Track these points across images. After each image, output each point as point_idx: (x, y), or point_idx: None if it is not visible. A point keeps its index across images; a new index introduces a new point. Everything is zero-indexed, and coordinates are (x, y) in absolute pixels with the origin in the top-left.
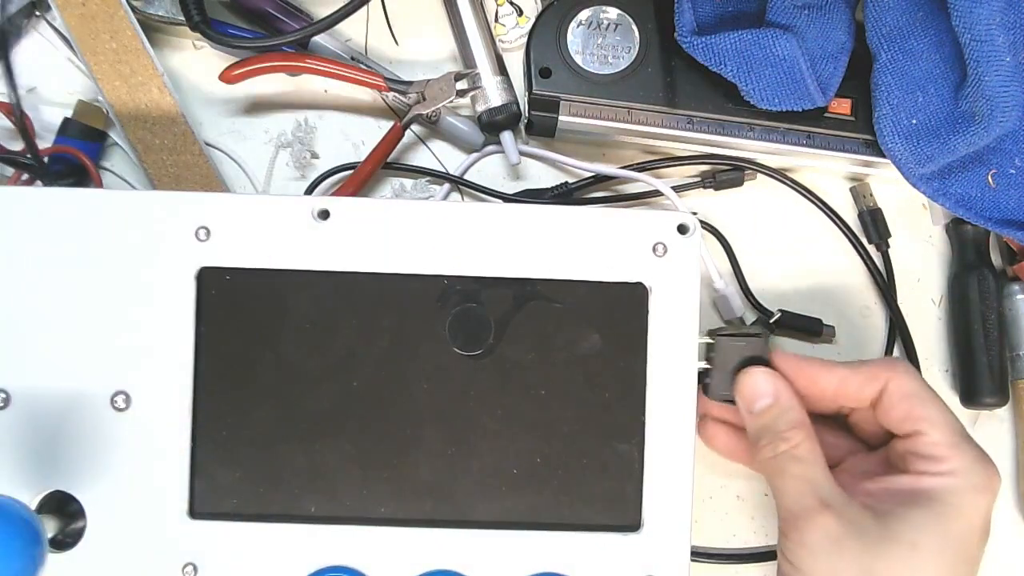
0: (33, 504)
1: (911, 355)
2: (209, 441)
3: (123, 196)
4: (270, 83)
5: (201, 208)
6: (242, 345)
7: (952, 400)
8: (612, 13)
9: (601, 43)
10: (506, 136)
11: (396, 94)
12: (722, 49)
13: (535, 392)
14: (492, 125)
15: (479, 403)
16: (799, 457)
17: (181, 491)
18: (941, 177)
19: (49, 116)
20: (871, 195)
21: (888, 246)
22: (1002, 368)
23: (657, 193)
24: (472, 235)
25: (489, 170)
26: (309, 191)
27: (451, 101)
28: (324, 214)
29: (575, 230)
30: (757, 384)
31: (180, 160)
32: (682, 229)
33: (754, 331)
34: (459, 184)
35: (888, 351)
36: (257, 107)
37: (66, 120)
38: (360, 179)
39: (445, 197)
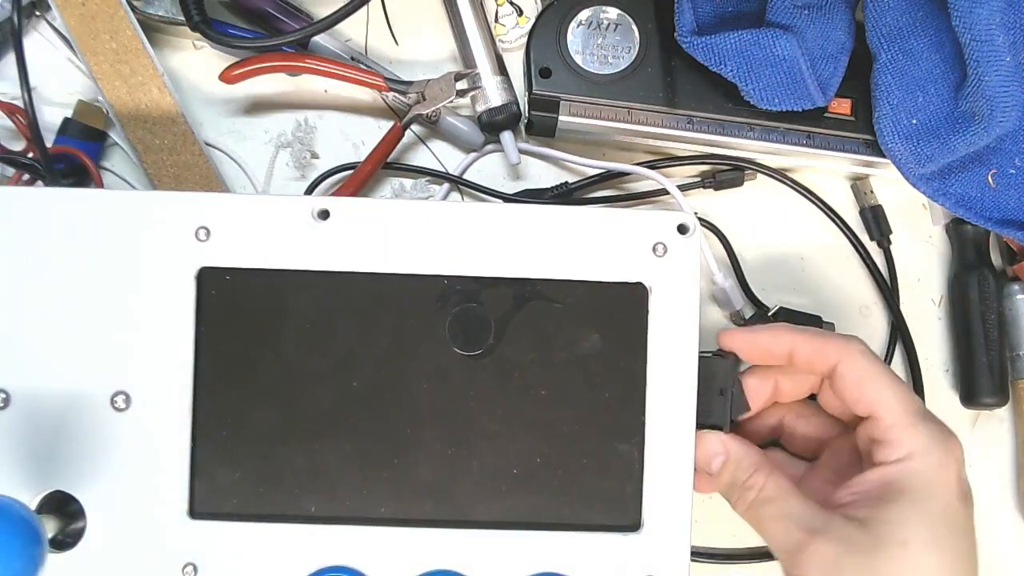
0: (33, 504)
1: (911, 355)
2: (209, 441)
3: (123, 196)
4: (270, 83)
5: (201, 208)
6: (242, 345)
7: (952, 400)
8: (612, 13)
9: (601, 43)
10: (506, 136)
11: (396, 94)
12: (722, 49)
13: (535, 392)
14: (492, 125)
15: (479, 403)
16: (768, 498)
17: (181, 491)
18: (941, 177)
19: (49, 116)
20: (872, 192)
21: (890, 243)
22: (1002, 368)
23: (657, 193)
24: (472, 235)
25: (489, 170)
26: (309, 191)
27: (451, 101)
28: (324, 214)
29: (575, 230)
30: (707, 446)
31: (180, 160)
32: (682, 229)
33: (711, 352)
34: (459, 184)
35: (888, 351)
36: (257, 107)
37: (66, 120)
38: (360, 179)
39: (445, 197)
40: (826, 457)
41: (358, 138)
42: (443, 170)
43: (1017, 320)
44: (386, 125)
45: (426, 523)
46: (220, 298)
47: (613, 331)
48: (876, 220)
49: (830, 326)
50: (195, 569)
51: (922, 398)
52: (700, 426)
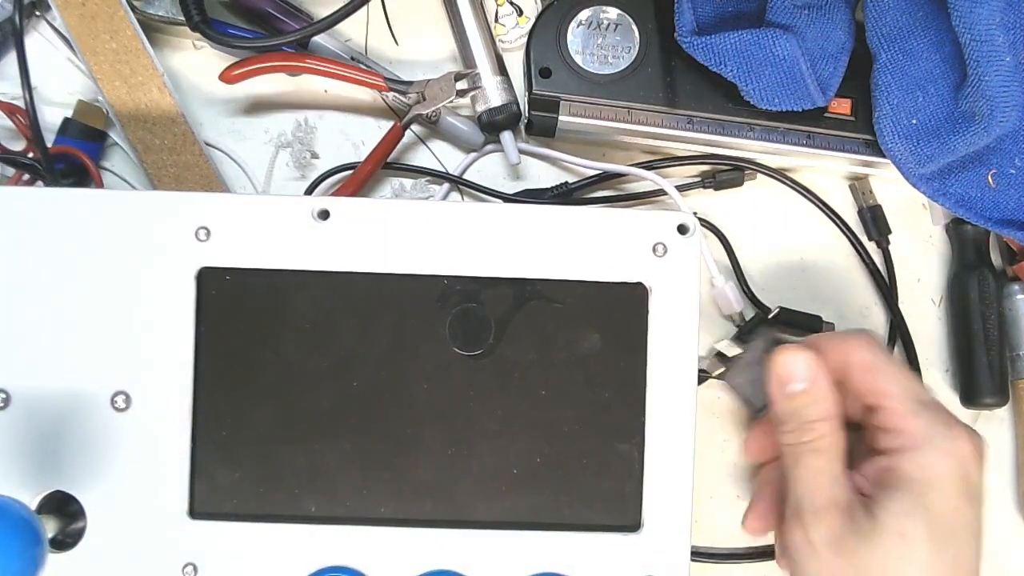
0: (33, 504)
1: (911, 355)
2: (209, 441)
3: (123, 196)
4: (270, 83)
5: (201, 208)
6: (242, 345)
7: (952, 400)
8: (612, 13)
9: (601, 43)
10: (506, 136)
11: (396, 94)
12: (722, 49)
13: (535, 392)
14: (492, 125)
15: (479, 403)
16: (820, 450)
17: (181, 491)
18: (941, 177)
19: (49, 116)
20: (871, 192)
21: (888, 243)
22: (1002, 368)
23: (657, 193)
24: (472, 235)
25: (489, 170)
26: (309, 191)
27: (451, 101)
28: (324, 214)
29: (575, 230)
30: (795, 365)
31: (180, 160)
32: (682, 229)
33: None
34: (459, 184)
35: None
36: (257, 107)
37: (66, 120)
38: (360, 179)
39: (444, 197)
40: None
41: (358, 138)
42: (443, 170)
43: (1017, 320)
44: (386, 125)
45: (426, 523)
46: (220, 298)
47: (613, 331)
48: (875, 220)
49: (830, 326)
50: (195, 569)
51: None
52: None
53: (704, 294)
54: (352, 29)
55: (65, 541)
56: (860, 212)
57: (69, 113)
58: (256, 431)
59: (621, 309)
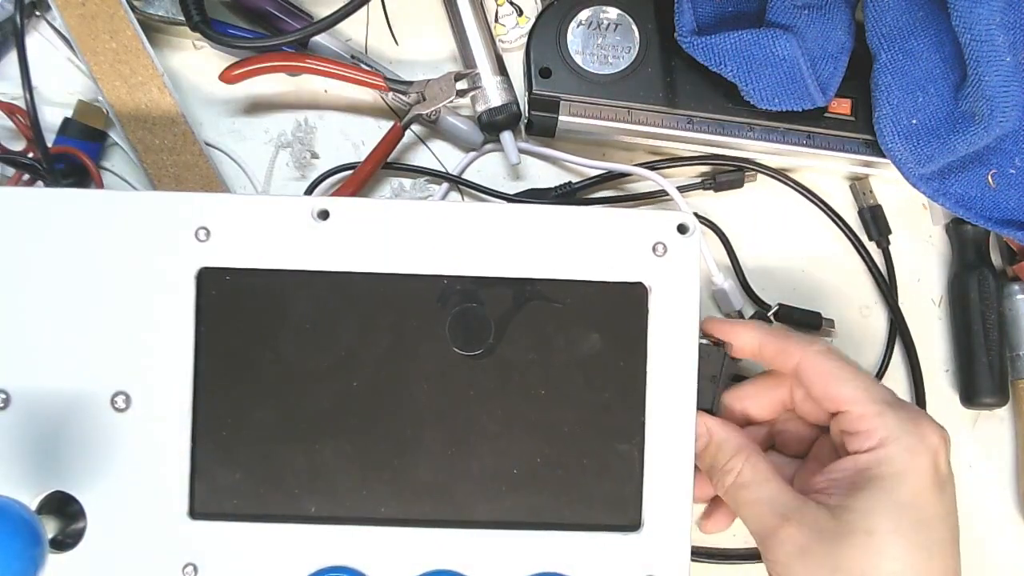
0: (33, 505)
1: (911, 355)
2: (209, 441)
3: (123, 197)
4: (270, 83)
5: (201, 208)
6: (242, 345)
7: (952, 400)
8: (612, 13)
9: (601, 43)
10: (506, 136)
11: (396, 94)
12: (722, 49)
13: (535, 392)
14: (492, 125)
15: (479, 403)
16: (744, 483)
17: (181, 491)
18: (941, 177)
19: (49, 116)
20: (871, 192)
21: (889, 243)
22: (1002, 368)
23: (658, 193)
24: (472, 235)
25: (489, 170)
26: (309, 191)
27: (451, 101)
28: (324, 214)
29: (575, 230)
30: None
31: (180, 160)
32: (682, 229)
33: (707, 340)
34: (459, 184)
35: (888, 351)
36: (257, 107)
37: (66, 120)
38: (360, 179)
39: (444, 196)
40: (814, 452)
41: (358, 138)
42: (443, 170)
43: (1017, 320)
44: (386, 125)
45: (426, 523)
46: (220, 298)
47: (613, 331)
48: (874, 220)
49: (830, 323)
50: (195, 569)
51: (922, 398)
52: None
53: (704, 292)
54: (352, 29)
55: (65, 541)
56: (860, 212)
57: (69, 113)
58: (256, 431)
59: (621, 309)
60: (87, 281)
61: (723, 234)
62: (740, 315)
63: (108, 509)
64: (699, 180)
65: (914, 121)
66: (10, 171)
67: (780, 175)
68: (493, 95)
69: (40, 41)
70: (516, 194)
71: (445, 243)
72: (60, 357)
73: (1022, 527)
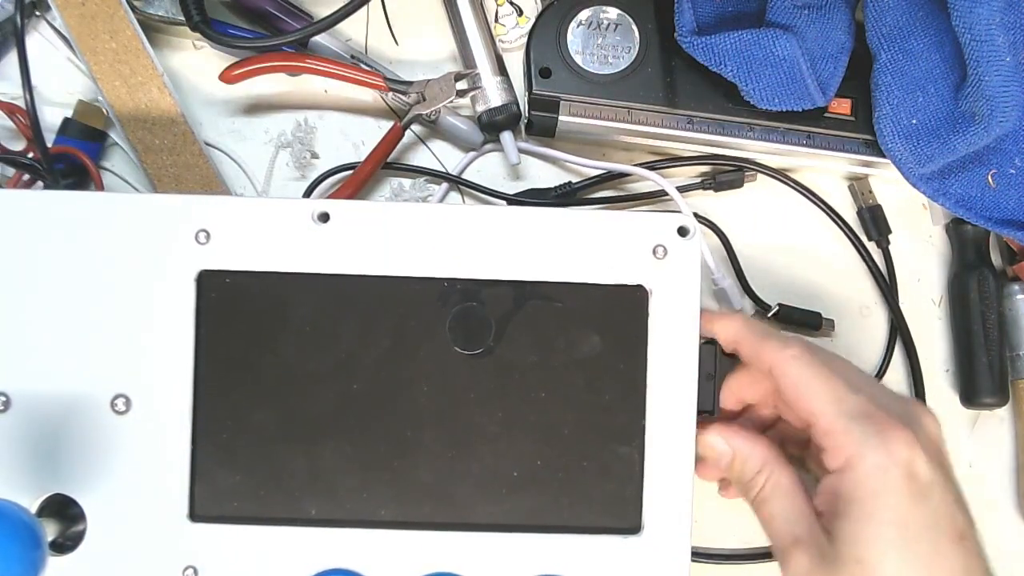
0: (33, 508)
1: (911, 355)
2: (209, 444)
3: (123, 199)
4: (270, 83)
5: (201, 211)
6: (242, 348)
7: (952, 400)
8: (612, 13)
9: (601, 43)
10: (506, 136)
11: (396, 94)
12: (722, 49)
13: (535, 395)
14: (492, 125)
15: (479, 406)
16: (764, 499)
17: (181, 494)
18: (941, 177)
19: (49, 116)
20: (870, 192)
21: (888, 243)
22: (1002, 368)
23: (658, 193)
24: (472, 238)
25: (489, 170)
26: (309, 191)
27: (451, 101)
28: (324, 217)
29: (575, 232)
30: (713, 445)
31: (180, 160)
32: (682, 231)
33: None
34: (459, 184)
35: (888, 351)
36: (257, 107)
37: (66, 120)
38: (360, 179)
39: (444, 196)
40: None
41: (358, 138)
42: (443, 170)
43: (1017, 320)
44: (386, 125)
45: (426, 526)
46: (220, 301)
47: (613, 333)
48: (874, 220)
49: (829, 323)
50: (195, 572)
51: (922, 398)
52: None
53: (704, 292)
54: (352, 29)
55: (65, 544)
56: (860, 212)
57: (69, 113)
58: (256, 433)
59: (621, 311)
60: (87, 283)
61: (723, 234)
62: None
63: (108, 512)
64: (699, 180)
65: (914, 121)
66: (10, 171)
67: (780, 175)
68: (493, 95)
69: (40, 41)
70: (516, 194)
71: (446, 246)
72: (60, 360)
73: (1022, 527)
